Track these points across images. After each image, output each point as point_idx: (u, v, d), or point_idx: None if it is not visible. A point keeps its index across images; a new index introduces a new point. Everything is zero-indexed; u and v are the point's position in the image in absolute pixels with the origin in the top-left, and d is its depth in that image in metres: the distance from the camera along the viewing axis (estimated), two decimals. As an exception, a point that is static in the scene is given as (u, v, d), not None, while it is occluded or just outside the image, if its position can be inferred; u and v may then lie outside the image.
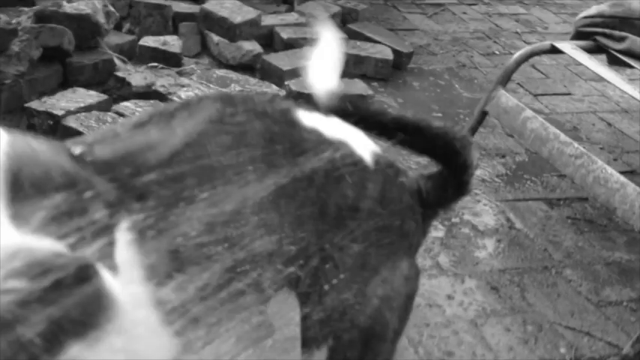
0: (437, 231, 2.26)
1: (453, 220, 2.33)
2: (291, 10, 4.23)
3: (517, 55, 2.58)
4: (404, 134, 1.05)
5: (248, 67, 3.39)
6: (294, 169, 0.87)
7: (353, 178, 0.95)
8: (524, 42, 4.55)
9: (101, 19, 2.99)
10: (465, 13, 5.14)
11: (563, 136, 2.23)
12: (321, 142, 0.94)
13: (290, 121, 0.95)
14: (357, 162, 0.98)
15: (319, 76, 1.01)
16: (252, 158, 0.85)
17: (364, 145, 1.03)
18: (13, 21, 2.95)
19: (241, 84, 3.03)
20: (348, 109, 1.00)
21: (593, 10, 2.74)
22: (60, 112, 2.44)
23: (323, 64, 1.03)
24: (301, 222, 0.88)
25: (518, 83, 3.68)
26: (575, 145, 2.17)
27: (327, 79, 1.00)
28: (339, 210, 0.94)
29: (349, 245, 0.93)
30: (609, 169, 2.02)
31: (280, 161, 0.88)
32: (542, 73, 3.90)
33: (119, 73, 2.93)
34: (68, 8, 2.91)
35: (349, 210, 0.95)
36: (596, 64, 2.42)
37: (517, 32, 4.75)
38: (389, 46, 3.71)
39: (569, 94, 3.69)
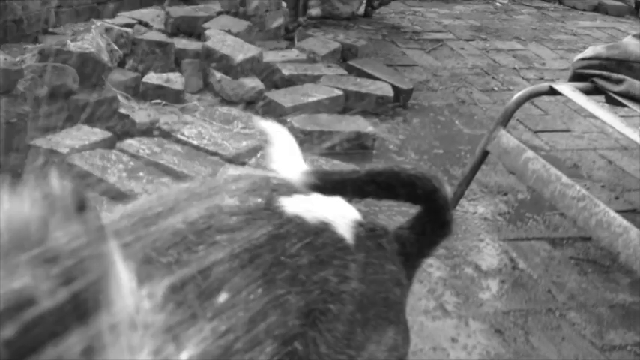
0: (440, 271, 2.26)
1: (456, 259, 2.33)
2: (291, 46, 4.29)
3: (517, 96, 2.61)
4: (380, 186, 1.04)
5: (250, 103, 3.42)
6: (278, 261, 0.91)
7: (335, 262, 0.98)
8: (522, 78, 4.61)
9: (105, 57, 3.02)
10: (462, 48, 5.21)
11: (565, 178, 2.25)
12: (303, 230, 0.97)
13: (273, 213, 0.96)
14: (338, 245, 1.00)
15: (284, 163, 1.02)
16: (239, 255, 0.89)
17: (344, 218, 1.04)
18: (18, 59, 2.99)
19: (244, 121, 3.06)
20: (321, 184, 0.99)
21: (590, 52, 2.77)
22: (65, 150, 2.45)
23: (282, 152, 1.04)
24: (285, 309, 0.91)
25: (517, 120, 3.71)
26: (577, 187, 2.18)
27: (292, 163, 1.02)
28: (322, 294, 0.96)
29: (334, 327, 0.96)
30: (612, 213, 2.03)
31: (266, 256, 0.91)
32: (541, 109, 3.94)
33: (123, 111, 2.95)
34: (73, 47, 2.95)
35: (332, 294, 0.97)
36: (595, 106, 2.44)
37: (515, 68, 4.82)
38: (389, 83, 3.75)
39: (568, 130, 3.73)
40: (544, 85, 2.67)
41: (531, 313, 2.17)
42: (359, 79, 3.75)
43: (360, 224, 1.06)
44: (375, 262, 1.04)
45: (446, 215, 1.10)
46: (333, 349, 0.95)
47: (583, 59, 2.78)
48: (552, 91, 2.63)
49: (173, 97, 3.22)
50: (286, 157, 1.03)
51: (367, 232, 1.05)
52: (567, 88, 2.60)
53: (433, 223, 1.09)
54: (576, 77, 2.76)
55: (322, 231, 0.99)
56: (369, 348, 0.98)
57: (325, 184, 0.99)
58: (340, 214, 1.04)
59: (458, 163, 3.16)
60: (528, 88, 2.63)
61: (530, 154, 2.43)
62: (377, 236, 1.07)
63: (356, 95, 3.55)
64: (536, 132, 3.68)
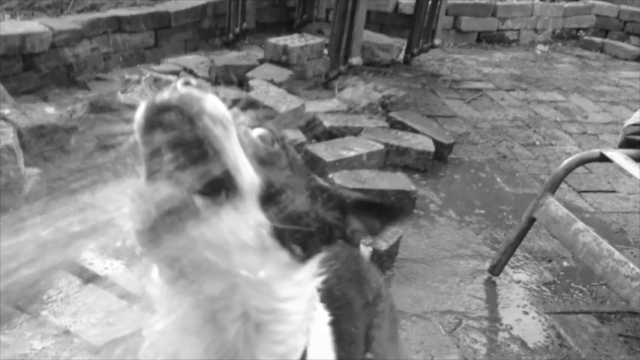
0: (485, 347, 2.19)
1: (501, 334, 2.27)
2: (332, 95, 4.32)
3: (566, 162, 2.56)
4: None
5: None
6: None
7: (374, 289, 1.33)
8: (565, 132, 4.54)
9: (153, 109, 3.08)
10: (503, 99, 5.18)
11: (617, 254, 2.18)
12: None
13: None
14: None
15: None
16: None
17: None
18: (68, 108, 3.07)
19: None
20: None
21: (642, 116, 2.72)
22: (112, 206, 2.48)
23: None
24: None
25: (561, 178, 3.64)
26: (631, 265, 2.11)
27: None
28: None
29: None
30: (668, 297, 1.96)
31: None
32: (585, 167, 3.86)
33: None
34: (122, 98, 3.01)
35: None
36: (648, 178, 2.38)
37: (557, 121, 4.75)
38: (430, 137, 3.73)
39: (614, 191, 3.64)
40: (595, 152, 2.61)
41: (580, 395, 2.09)
42: (400, 133, 3.74)
43: None
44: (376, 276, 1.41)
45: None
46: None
47: (635, 125, 2.72)
48: (603, 158, 2.58)
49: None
50: None
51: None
52: (619, 156, 2.54)
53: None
54: (628, 143, 2.70)
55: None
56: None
57: None
58: None
59: (500, 226, 3.10)
60: (578, 155, 2.57)
61: (580, 225, 2.37)
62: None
63: (397, 150, 3.53)
64: (580, 192, 3.61)
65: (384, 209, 0.87)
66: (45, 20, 3.95)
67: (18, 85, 3.61)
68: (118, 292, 2.02)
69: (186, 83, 0.70)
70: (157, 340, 0.79)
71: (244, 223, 0.71)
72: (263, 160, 0.77)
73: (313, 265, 0.82)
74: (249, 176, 0.72)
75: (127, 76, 3.67)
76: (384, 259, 2.54)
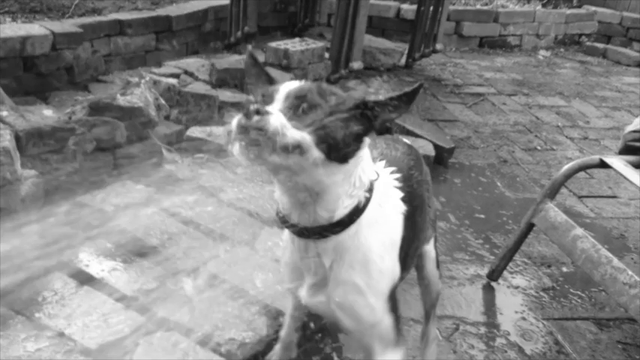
0: (483, 354, 2.18)
1: (499, 340, 2.25)
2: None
3: (565, 168, 2.55)
4: None
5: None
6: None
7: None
8: (566, 137, 4.53)
9: (152, 112, 3.08)
10: (504, 103, 5.17)
11: (616, 261, 2.17)
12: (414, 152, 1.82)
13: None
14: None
15: None
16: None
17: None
18: (68, 110, 3.06)
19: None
20: None
21: (642, 123, 2.70)
22: (110, 209, 2.48)
23: None
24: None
25: (561, 184, 3.62)
26: (630, 272, 2.10)
27: None
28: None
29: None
30: (667, 304, 1.94)
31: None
32: (586, 172, 3.85)
33: (166, 165, 2.98)
34: (122, 101, 3.01)
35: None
36: (648, 184, 2.36)
37: (558, 126, 4.74)
38: (430, 141, 3.72)
39: (614, 196, 3.63)
40: (594, 158, 2.60)
41: (578, 402, 2.07)
42: (400, 137, 3.72)
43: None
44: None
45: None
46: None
47: (635, 131, 2.71)
48: (603, 165, 2.56)
49: (216, 151, 3.24)
50: None
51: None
52: (619, 163, 2.53)
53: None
54: (627, 149, 2.68)
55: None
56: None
57: None
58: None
59: (500, 230, 3.09)
60: (578, 161, 2.56)
61: (579, 231, 2.35)
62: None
63: (397, 154, 3.51)
64: (580, 197, 3.59)
65: (400, 99, 1.27)
66: (46, 23, 3.96)
67: (18, 88, 3.61)
68: (114, 295, 2.01)
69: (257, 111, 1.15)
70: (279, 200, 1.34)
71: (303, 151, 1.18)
72: (314, 121, 1.21)
73: (354, 158, 1.27)
74: (301, 137, 1.17)
75: (127, 79, 3.67)
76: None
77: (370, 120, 1.26)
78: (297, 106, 1.21)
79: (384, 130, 1.38)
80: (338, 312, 1.41)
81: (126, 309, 1.94)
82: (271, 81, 1.39)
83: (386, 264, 1.42)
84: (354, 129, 1.24)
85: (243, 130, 1.14)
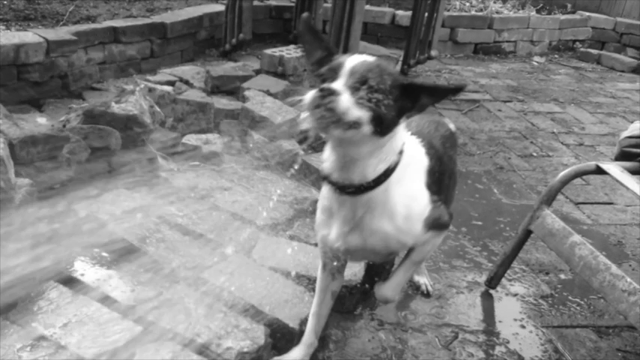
0: (482, 361, 2.16)
1: (498, 349, 2.24)
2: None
3: (562, 174, 2.54)
4: None
5: (287, 165, 3.40)
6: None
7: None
8: (562, 143, 4.53)
9: (147, 119, 3.05)
10: (500, 110, 5.17)
11: (614, 268, 2.16)
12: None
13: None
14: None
15: None
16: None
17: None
18: (62, 118, 3.03)
19: (281, 188, 3.04)
20: None
21: (638, 129, 2.70)
22: (105, 217, 2.45)
23: None
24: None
25: (558, 190, 3.62)
26: (628, 279, 2.09)
27: None
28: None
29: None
30: (667, 311, 1.93)
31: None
32: (582, 179, 3.85)
33: (162, 173, 2.96)
34: (116, 108, 2.98)
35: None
36: (644, 191, 2.36)
37: (554, 132, 4.75)
38: (427, 148, 3.72)
39: (611, 203, 3.62)
40: (591, 165, 2.59)
41: (578, 410, 2.05)
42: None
43: None
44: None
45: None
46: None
47: (631, 137, 2.71)
48: (599, 171, 2.56)
49: (211, 159, 3.23)
50: None
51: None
52: (615, 169, 2.52)
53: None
54: (623, 155, 2.68)
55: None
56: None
57: None
58: None
59: (497, 237, 3.08)
60: (574, 167, 2.56)
61: (576, 238, 2.34)
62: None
63: (393, 161, 3.51)
64: (577, 203, 3.59)
65: (445, 89, 1.54)
66: (39, 31, 3.94)
67: (12, 96, 3.59)
68: (110, 304, 1.99)
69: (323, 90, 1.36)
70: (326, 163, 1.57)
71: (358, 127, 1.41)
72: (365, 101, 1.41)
73: (394, 131, 1.49)
74: (361, 115, 1.40)
75: (122, 86, 3.66)
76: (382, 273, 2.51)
77: (412, 102, 1.45)
78: (360, 84, 1.39)
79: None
80: (374, 249, 1.69)
81: (122, 318, 1.92)
82: (326, 46, 1.55)
83: (414, 209, 1.66)
84: (400, 109, 1.44)
85: (316, 106, 1.33)
